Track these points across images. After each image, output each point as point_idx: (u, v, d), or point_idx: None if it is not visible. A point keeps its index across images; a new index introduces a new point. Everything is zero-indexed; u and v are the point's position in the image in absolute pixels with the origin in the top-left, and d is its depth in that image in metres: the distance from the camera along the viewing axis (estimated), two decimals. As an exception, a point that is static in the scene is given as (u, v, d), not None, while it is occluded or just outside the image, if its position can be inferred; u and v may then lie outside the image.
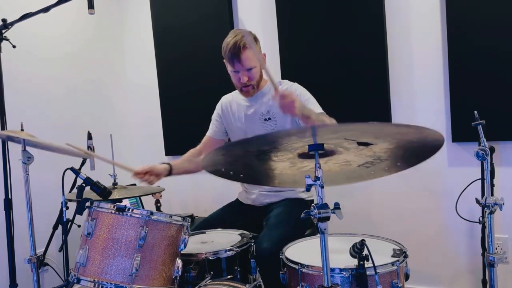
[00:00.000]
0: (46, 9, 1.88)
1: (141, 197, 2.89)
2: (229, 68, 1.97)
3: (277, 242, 1.73)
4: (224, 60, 1.99)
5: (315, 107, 1.94)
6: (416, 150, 1.26)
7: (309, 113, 1.72)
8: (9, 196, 2.02)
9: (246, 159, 1.31)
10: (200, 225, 2.07)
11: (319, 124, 1.66)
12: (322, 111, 1.93)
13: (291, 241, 1.72)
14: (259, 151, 1.23)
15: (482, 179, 1.84)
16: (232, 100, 2.15)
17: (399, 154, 1.29)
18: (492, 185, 1.76)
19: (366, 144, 1.20)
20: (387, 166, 1.36)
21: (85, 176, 1.66)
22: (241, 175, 1.47)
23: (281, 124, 1.99)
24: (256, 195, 2.11)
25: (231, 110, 2.14)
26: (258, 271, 1.79)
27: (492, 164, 1.75)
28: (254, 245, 1.78)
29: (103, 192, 1.68)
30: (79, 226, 1.87)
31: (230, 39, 1.91)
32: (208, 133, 2.24)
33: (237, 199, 2.24)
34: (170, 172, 2.08)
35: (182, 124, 3.09)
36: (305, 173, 1.19)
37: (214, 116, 2.23)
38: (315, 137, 1.15)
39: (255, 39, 1.95)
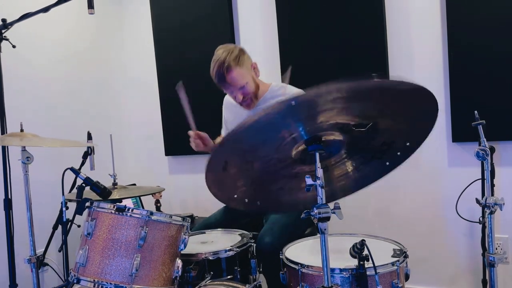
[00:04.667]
0: (46, 9, 1.88)
1: (141, 197, 2.88)
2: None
3: (278, 237, 1.73)
4: None
5: None
6: (414, 119, 1.21)
7: None
8: (9, 196, 2.02)
9: (249, 174, 1.26)
10: (202, 224, 2.08)
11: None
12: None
13: (292, 237, 1.72)
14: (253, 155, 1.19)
15: (482, 179, 1.84)
16: (232, 103, 2.14)
17: (402, 131, 1.25)
18: (492, 185, 1.75)
19: (362, 126, 1.17)
20: (399, 150, 1.31)
21: (85, 176, 1.66)
22: (258, 203, 1.38)
23: None
24: None
25: (232, 113, 2.15)
26: (258, 269, 1.79)
27: (492, 164, 1.75)
28: (254, 245, 1.78)
29: (103, 192, 1.68)
30: (79, 226, 1.86)
31: (215, 60, 1.89)
32: (222, 133, 2.28)
33: None
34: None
35: (182, 124, 3.07)
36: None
37: (223, 119, 2.27)
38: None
39: (240, 54, 1.90)
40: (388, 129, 1.23)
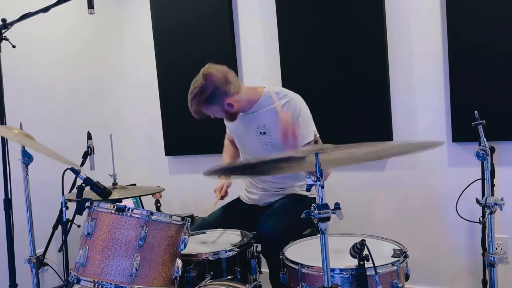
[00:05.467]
0: (45, 9, 1.88)
1: (141, 197, 2.88)
2: None
3: (279, 220, 1.76)
4: None
5: (306, 129, 1.88)
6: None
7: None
8: (9, 196, 2.02)
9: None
10: (200, 224, 2.07)
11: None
12: (315, 135, 1.73)
13: (292, 225, 1.74)
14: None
15: (482, 179, 1.84)
16: None
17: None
18: (493, 185, 1.75)
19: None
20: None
21: (85, 176, 1.66)
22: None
23: (275, 138, 1.93)
24: (259, 195, 2.11)
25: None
26: (258, 269, 1.80)
27: (492, 164, 1.75)
28: (254, 245, 1.79)
29: (103, 192, 1.68)
30: (79, 226, 1.86)
31: (189, 93, 1.91)
32: (227, 132, 2.30)
33: (238, 198, 2.24)
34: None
35: (182, 124, 3.09)
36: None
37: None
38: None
39: (215, 92, 1.86)
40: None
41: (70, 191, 2.10)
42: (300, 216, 1.88)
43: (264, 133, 1.98)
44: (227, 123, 2.20)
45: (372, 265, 1.33)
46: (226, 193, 2.14)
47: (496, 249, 2.18)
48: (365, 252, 1.30)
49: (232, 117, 1.98)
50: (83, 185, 1.65)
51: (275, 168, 1.52)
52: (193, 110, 1.93)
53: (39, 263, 1.96)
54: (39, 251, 2.03)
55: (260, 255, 1.86)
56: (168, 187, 2.31)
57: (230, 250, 1.70)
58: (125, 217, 1.49)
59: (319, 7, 2.52)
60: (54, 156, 1.68)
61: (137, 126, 3.36)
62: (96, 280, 1.45)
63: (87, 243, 1.50)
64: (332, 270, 1.36)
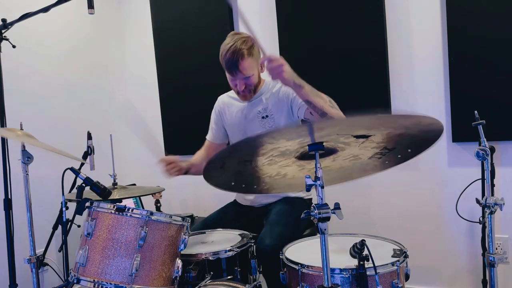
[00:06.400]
0: (45, 9, 1.88)
1: (141, 197, 2.88)
2: (227, 75, 1.95)
3: (278, 239, 1.74)
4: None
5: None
6: (418, 136, 1.23)
7: (301, 82, 1.71)
8: (9, 196, 2.02)
9: (248, 169, 1.31)
10: (199, 226, 2.07)
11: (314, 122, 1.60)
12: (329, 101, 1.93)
13: (292, 238, 1.72)
14: (252, 158, 1.23)
15: (483, 179, 1.84)
16: (228, 101, 2.15)
17: (405, 141, 1.26)
18: (493, 185, 1.76)
19: (363, 137, 1.18)
20: (399, 154, 1.33)
21: (85, 176, 1.66)
22: (255, 186, 1.46)
23: (279, 121, 1.99)
24: (255, 196, 2.10)
25: (228, 110, 2.14)
26: (259, 270, 1.79)
27: (492, 164, 1.75)
28: (254, 246, 1.78)
29: (103, 192, 1.68)
30: (79, 226, 1.86)
31: (229, 46, 1.85)
32: (207, 138, 2.26)
33: (234, 200, 2.24)
34: (187, 171, 2.11)
35: (182, 123, 3.09)
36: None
37: (211, 119, 2.23)
38: (312, 135, 1.14)
39: (253, 45, 1.88)
40: (391, 139, 1.24)
41: (70, 191, 2.10)
42: (299, 227, 1.90)
43: (266, 116, 2.01)
44: (218, 123, 2.19)
45: (372, 265, 1.33)
46: (170, 172, 2.07)
47: (496, 249, 2.18)
48: (365, 252, 1.30)
49: (255, 86, 1.97)
50: (83, 185, 1.65)
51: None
52: (232, 61, 1.84)
53: (39, 263, 1.96)
54: (39, 251, 2.03)
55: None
56: (168, 187, 2.31)
57: (230, 250, 1.70)
58: (125, 217, 1.49)
59: (319, 7, 2.52)
60: (57, 152, 1.68)
61: (137, 126, 3.36)
62: (96, 280, 1.45)
63: (87, 243, 1.50)
64: (332, 270, 1.36)
